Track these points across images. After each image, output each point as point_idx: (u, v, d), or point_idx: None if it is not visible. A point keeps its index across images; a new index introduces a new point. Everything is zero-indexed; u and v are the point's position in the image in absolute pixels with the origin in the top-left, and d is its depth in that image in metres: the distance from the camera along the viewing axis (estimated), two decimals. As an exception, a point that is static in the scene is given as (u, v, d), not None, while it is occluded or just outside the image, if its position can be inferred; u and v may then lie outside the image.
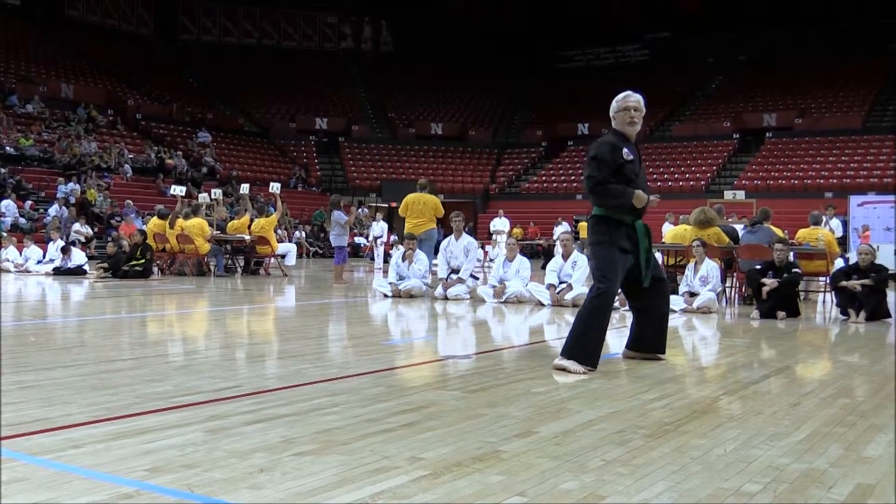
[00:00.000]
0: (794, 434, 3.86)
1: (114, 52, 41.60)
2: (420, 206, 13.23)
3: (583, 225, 21.06)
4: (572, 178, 38.45)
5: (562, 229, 25.33)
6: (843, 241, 15.65)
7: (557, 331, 8.61)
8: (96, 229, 23.97)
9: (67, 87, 34.91)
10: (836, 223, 16.14)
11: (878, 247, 13.58)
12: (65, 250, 16.36)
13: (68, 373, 5.12)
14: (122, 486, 2.88)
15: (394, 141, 43.31)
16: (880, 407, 4.58)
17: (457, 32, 47.58)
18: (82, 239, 21.55)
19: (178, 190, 19.74)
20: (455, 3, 47.73)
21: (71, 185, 26.18)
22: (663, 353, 6.10)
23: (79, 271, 15.69)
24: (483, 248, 23.19)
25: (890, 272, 10.43)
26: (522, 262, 11.78)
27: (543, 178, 39.75)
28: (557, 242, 14.50)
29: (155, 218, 18.13)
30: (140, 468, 3.08)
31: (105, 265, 15.39)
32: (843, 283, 9.83)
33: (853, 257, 13.48)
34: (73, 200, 25.11)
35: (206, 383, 4.81)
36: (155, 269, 15.93)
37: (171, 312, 10.16)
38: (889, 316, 9.91)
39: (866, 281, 9.66)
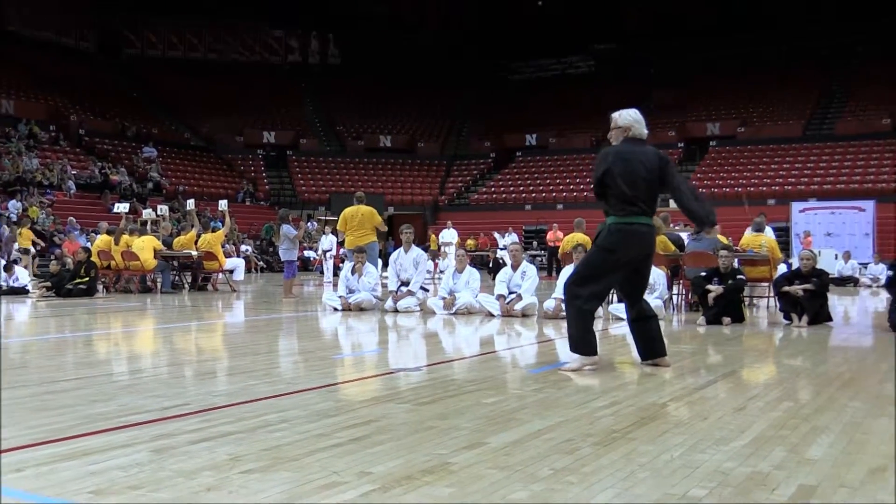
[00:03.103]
0: (740, 438, 3.93)
1: (56, 66, 40.85)
2: (359, 219, 13.24)
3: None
4: (521, 188, 38.68)
5: (510, 239, 25.50)
6: (784, 247, 15.90)
7: (507, 341, 8.66)
8: (39, 247, 23.48)
9: (7, 103, 34.23)
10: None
11: (819, 252, 13.88)
12: (8, 269, 15.98)
13: (9, 395, 5.01)
14: (65, 510, 2.84)
15: (342, 154, 43.20)
16: (823, 409, 4.68)
17: (404, 45, 47.66)
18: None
19: (122, 207, 19.43)
20: (402, 17, 47.81)
21: (12, 202, 25.65)
22: (663, 353, 6.18)
23: (21, 291, 15.35)
24: (434, 259, 23.20)
25: (831, 276, 10.67)
26: (472, 274, 11.81)
27: (493, 188, 39.95)
28: (506, 253, 14.54)
29: (103, 235, 17.81)
30: (84, 490, 3.02)
31: (48, 284, 15.07)
32: (786, 288, 10.02)
33: (795, 262, 13.75)
34: (14, 218, 24.59)
35: (152, 402, 4.74)
36: (100, 287, 15.65)
37: (117, 331, 9.99)
38: (830, 319, 10.14)
39: (808, 286, 9.87)
